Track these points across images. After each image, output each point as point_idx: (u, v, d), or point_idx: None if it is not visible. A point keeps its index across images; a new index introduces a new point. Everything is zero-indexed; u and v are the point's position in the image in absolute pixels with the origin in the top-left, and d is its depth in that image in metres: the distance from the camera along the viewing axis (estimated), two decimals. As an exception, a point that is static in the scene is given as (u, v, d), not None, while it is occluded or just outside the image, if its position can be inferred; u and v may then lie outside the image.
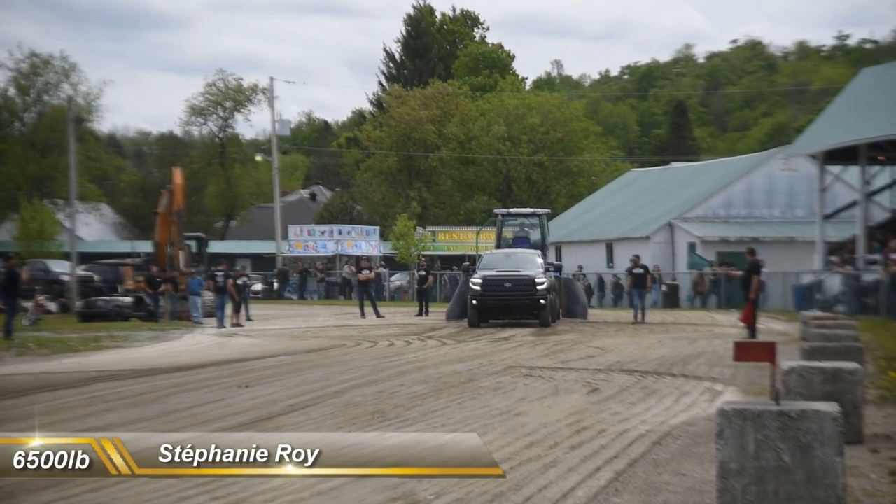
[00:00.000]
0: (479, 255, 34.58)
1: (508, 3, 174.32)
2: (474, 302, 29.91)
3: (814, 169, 42.40)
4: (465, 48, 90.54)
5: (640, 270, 33.80)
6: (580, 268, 51.01)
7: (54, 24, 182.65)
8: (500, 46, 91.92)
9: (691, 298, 45.21)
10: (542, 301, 29.47)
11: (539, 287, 29.49)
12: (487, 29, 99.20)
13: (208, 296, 34.66)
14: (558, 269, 33.93)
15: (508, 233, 36.14)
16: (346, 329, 30.50)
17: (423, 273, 39.82)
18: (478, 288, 29.91)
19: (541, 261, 31.24)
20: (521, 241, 35.05)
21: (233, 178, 78.72)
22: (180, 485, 8.57)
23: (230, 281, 32.85)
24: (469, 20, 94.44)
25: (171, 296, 35.22)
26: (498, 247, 35.37)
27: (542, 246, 34.79)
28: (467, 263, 38.18)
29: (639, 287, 33.46)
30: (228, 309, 33.05)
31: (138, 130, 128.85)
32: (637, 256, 35.42)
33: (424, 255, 55.36)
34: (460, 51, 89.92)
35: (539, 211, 36.84)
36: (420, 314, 37.20)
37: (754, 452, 6.66)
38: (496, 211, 38.41)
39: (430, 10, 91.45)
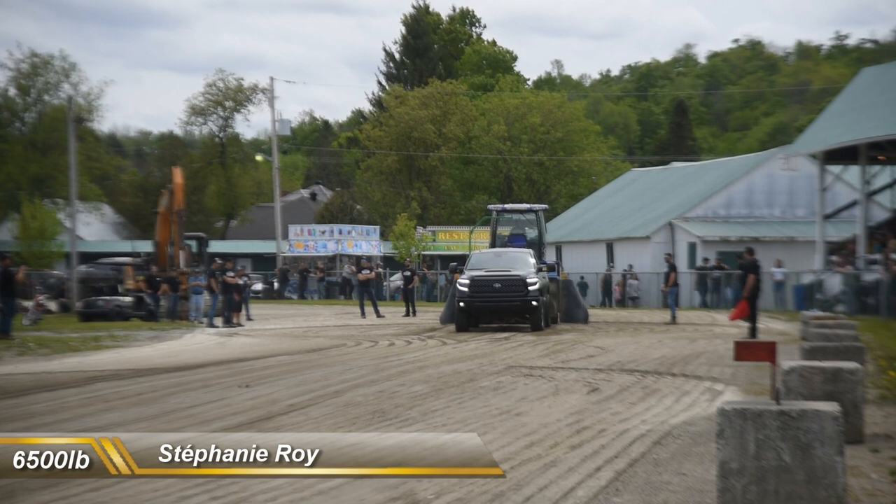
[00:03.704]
0: (469, 255, 32.45)
1: (509, 3, 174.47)
2: (461, 304, 28.33)
3: (814, 169, 42.42)
4: (470, 46, 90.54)
5: (666, 269, 34.16)
6: (630, 266, 49.11)
7: (53, 23, 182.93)
8: (501, 46, 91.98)
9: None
10: (534, 303, 27.97)
11: (531, 288, 27.97)
12: (484, 27, 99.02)
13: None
14: (552, 268, 31.51)
15: (504, 231, 33.90)
16: (346, 329, 30.50)
17: (408, 273, 39.91)
18: (465, 289, 28.28)
19: (533, 260, 29.59)
20: (517, 239, 33.02)
21: (233, 178, 78.70)
22: (180, 485, 8.57)
23: (214, 280, 32.64)
24: (467, 18, 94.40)
25: (171, 295, 35.21)
26: (493, 245, 33.31)
27: (539, 244, 33.01)
28: (455, 264, 36.26)
29: (668, 285, 34.04)
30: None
31: (139, 130, 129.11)
32: (668, 255, 35.53)
33: (425, 255, 55.37)
34: (467, 48, 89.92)
35: (536, 207, 34.72)
36: (407, 314, 37.20)
37: (755, 452, 6.66)
38: (490, 207, 36.03)
39: (427, 10, 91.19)
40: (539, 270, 29.23)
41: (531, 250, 30.87)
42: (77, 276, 43.06)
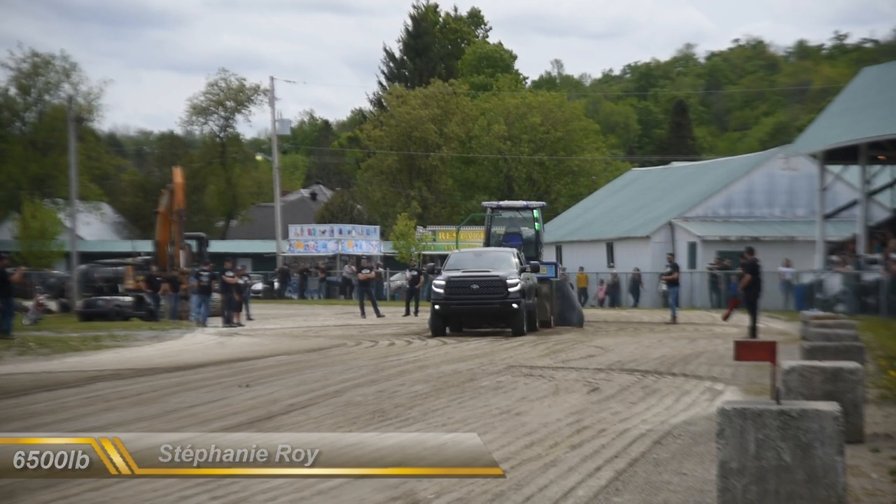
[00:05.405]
0: (448, 254, 30.55)
1: (510, 3, 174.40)
2: (436, 307, 26.53)
3: (814, 168, 42.42)
4: (471, 45, 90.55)
5: (669, 268, 34.58)
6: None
7: (53, 22, 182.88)
8: (502, 46, 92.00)
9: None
10: (514, 305, 26.04)
11: (511, 289, 26.04)
12: (490, 29, 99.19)
13: (215, 296, 34.19)
14: (535, 268, 28.84)
15: (499, 229, 31.87)
16: (346, 328, 30.50)
17: (414, 273, 39.91)
18: (440, 291, 26.50)
19: (516, 260, 27.57)
20: (512, 238, 31.17)
21: (233, 178, 78.76)
22: (180, 485, 8.56)
23: (213, 281, 32.60)
24: (473, 19, 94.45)
25: (172, 295, 35.20)
26: (487, 243, 31.41)
27: (536, 242, 31.44)
28: (433, 264, 34.46)
29: (669, 285, 34.73)
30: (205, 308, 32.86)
31: (139, 130, 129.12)
32: (670, 255, 35.59)
33: (426, 255, 55.21)
34: (468, 47, 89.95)
35: (533, 204, 33.00)
36: (407, 314, 37.13)
37: (755, 452, 6.66)
38: (485, 204, 33.86)
39: (434, 9, 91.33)
40: (523, 271, 27.36)
41: (515, 250, 28.94)
42: (78, 274, 43.07)
